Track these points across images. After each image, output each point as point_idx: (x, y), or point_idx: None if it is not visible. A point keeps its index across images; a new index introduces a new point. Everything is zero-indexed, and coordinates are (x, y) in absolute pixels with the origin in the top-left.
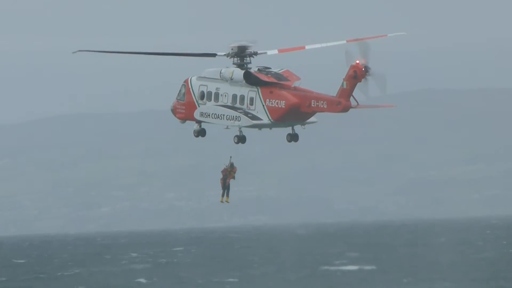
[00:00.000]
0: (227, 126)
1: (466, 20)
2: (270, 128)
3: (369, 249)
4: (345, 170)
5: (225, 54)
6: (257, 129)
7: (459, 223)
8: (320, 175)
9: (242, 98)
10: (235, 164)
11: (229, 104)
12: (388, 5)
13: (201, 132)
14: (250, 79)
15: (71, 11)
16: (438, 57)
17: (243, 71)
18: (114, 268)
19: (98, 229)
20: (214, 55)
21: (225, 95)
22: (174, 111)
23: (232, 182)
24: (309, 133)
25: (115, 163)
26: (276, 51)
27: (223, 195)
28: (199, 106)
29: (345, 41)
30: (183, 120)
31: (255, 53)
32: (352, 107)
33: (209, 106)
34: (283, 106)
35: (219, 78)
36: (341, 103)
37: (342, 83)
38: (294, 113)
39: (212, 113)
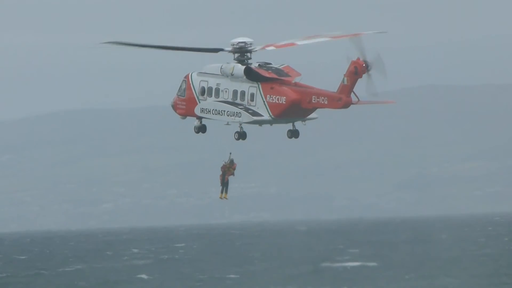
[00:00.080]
0: (228, 122)
1: (464, 17)
2: (271, 124)
3: (370, 246)
4: (346, 167)
5: (226, 50)
6: (257, 125)
7: (461, 219)
8: (321, 172)
9: (243, 94)
10: (235, 161)
11: (229, 100)
12: (390, 2)
13: (201, 128)
14: (251, 75)
15: (70, 10)
16: (439, 53)
17: (243, 67)
18: (115, 264)
19: (100, 225)
20: (219, 50)
21: (226, 91)
22: (174, 107)
23: (233, 178)
24: (310, 129)
25: (116, 159)
26: (272, 48)
27: (222, 192)
28: (199, 102)
29: (331, 38)
30: (184, 116)
31: (256, 49)
32: (353, 103)
33: (209, 102)
34: (284, 102)
35: (220, 73)
36: (342, 99)
37: (343, 79)
38: (295, 109)
39: (213, 109)
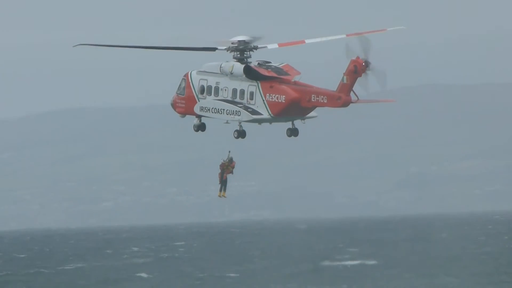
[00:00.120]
0: (227, 120)
1: (464, 16)
2: (270, 123)
3: (370, 244)
4: (346, 165)
5: (225, 48)
6: (257, 123)
7: (460, 218)
8: (321, 170)
9: (242, 92)
10: (234, 159)
11: (229, 98)
12: (390, 1)
13: (201, 127)
14: (250, 73)
15: (69, 8)
16: (439, 52)
17: (243, 65)
18: (115, 262)
19: (100, 224)
20: (214, 49)
21: (225, 90)
22: (174, 105)
23: (233, 177)
24: (310, 128)
25: (116, 157)
26: (276, 45)
27: (220, 190)
28: (199, 101)
29: (345, 35)
30: (183, 114)
31: (255, 47)
32: (352, 102)
33: (209, 101)
34: (283, 101)
35: (219, 72)
36: (341, 98)
37: (343, 77)
38: (294, 108)
39: (212, 108)
